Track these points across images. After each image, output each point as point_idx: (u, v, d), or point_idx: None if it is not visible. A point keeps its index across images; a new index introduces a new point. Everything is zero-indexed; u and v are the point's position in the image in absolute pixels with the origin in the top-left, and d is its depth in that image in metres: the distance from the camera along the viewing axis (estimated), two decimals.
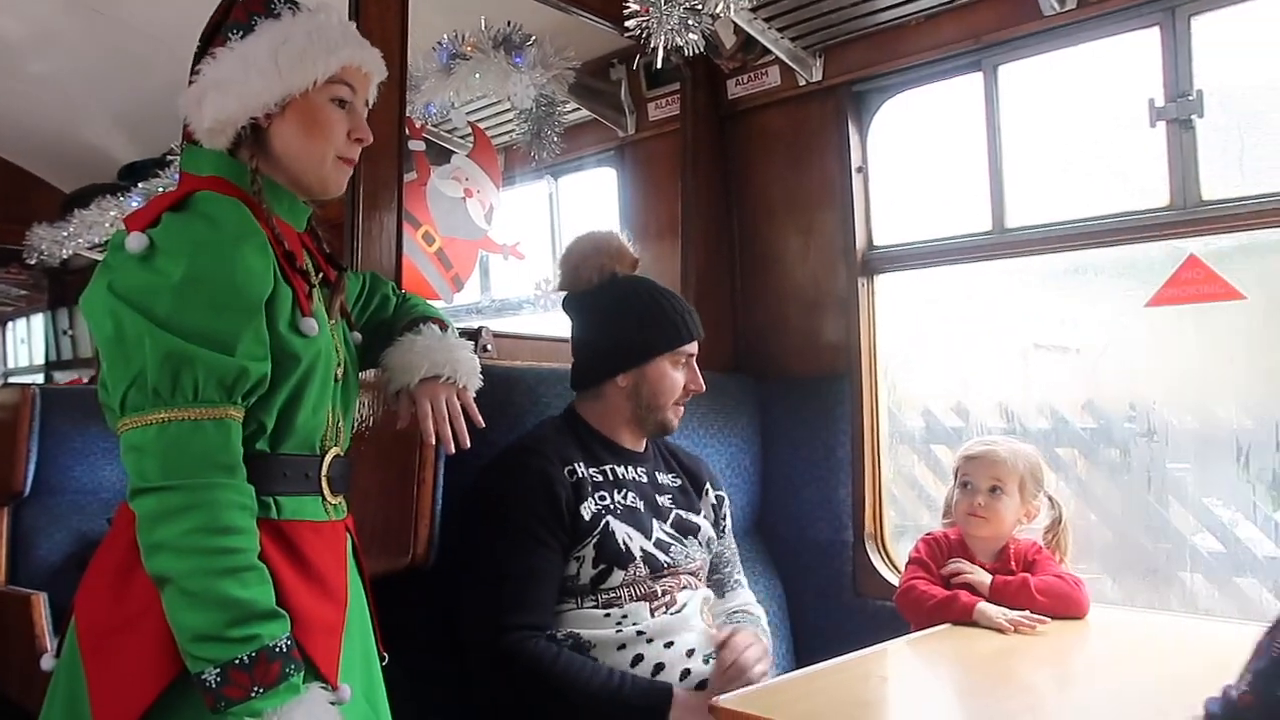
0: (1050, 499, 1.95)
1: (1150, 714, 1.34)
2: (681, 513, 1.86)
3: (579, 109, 2.81)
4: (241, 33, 1.22)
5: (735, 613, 1.91)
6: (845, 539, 2.40)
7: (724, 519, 1.97)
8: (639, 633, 1.66)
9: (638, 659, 1.64)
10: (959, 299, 2.51)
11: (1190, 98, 1.91)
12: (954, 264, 2.36)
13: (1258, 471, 2.07)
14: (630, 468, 1.82)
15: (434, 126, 2.53)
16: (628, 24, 1.95)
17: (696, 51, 2.00)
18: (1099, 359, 2.33)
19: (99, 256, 5.12)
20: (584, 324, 1.88)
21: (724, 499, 2.00)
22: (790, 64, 2.41)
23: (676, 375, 1.82)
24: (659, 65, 2.03)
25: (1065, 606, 1.81)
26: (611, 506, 1.73)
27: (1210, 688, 0.90)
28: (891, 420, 2.48)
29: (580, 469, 1.74)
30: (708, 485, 1.97)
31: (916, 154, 2.46)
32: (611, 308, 1.83)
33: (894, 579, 2.28)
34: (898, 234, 2.44)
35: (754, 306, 2.63)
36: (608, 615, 1.67)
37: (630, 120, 2.82)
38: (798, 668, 2.42)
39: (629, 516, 1.75)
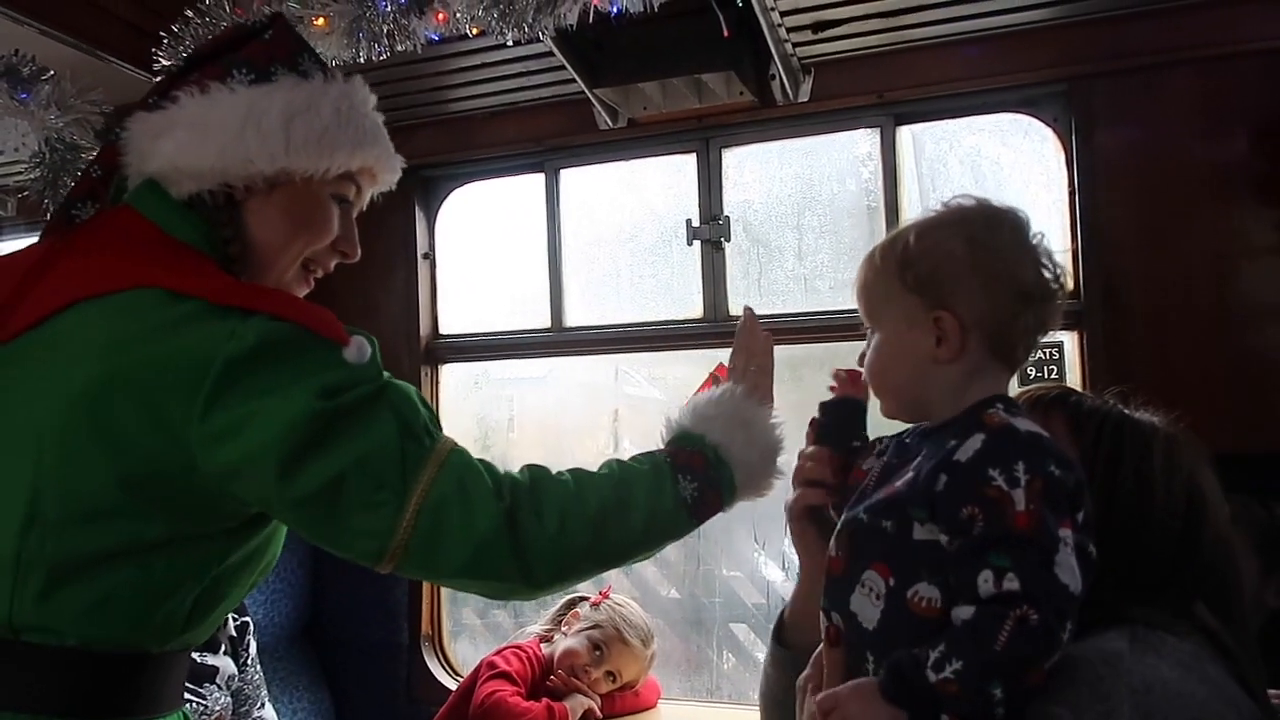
0: None
1: None
2: (196, 656, 1.64)
3: None
4: (253, 77, 0.97)
5: None
6: (401, 641, 2.28)
7: (245, 648, 1.76)
8: None
9: None
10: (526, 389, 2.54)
11: (720, 222, 2.10)
12: (517, 358, 2.38)
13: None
14: None
15: None
16: (160, 67, 1.75)
17: None
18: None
19: None
20: None
21: (247, 625, 1.79)
22: None
23: None
24: None
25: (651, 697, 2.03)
26: None
27: None
28: None
29: None
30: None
31: (487, 245, 2.45)
32: None
33: (452, 684, 2.20)
34: (465, 323, 2.40)
35: None
36: None
37: None
38: None
39: None
